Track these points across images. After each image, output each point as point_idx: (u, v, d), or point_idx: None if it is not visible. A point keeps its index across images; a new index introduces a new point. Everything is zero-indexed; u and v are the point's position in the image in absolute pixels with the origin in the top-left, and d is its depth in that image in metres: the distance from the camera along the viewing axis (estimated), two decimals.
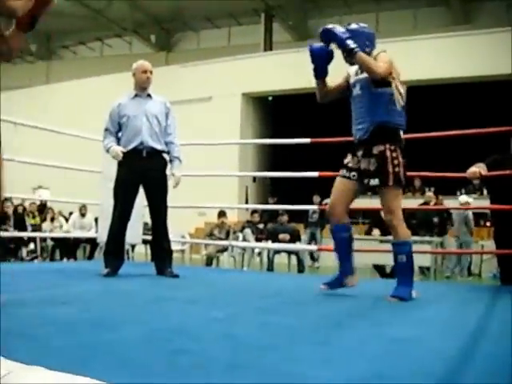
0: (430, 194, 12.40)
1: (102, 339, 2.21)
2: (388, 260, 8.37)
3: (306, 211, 13.82)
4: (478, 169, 5.23)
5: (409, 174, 4.16)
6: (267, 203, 16.29)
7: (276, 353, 2.08)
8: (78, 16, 23.25)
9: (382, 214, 4.24)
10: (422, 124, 8.05)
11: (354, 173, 4.16)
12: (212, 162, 14.75)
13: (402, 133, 4.14)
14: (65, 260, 12.27)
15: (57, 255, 12.77)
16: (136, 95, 5.38)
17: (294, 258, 10.76)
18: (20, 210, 12.97)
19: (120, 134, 5.30)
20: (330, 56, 4.14)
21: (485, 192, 12.40)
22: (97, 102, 20.90)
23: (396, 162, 3.97)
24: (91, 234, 11.31)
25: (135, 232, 7.01)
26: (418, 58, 16.53)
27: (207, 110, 19.68)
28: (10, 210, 11.90)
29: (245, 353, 2.06)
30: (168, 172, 5.43)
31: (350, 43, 3.90)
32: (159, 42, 24.67)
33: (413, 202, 13.24)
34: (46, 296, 3.55)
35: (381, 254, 8.24)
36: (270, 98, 20.97)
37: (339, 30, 3.95)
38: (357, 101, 4.17)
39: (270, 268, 10.19)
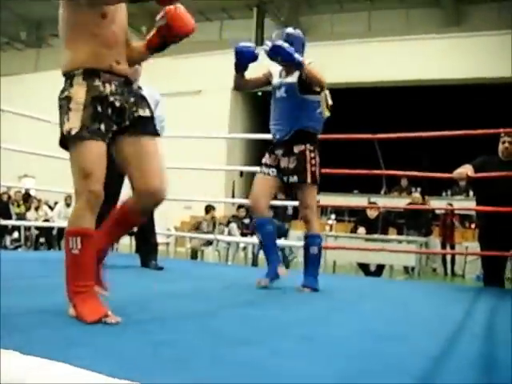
0: (416, 194, 12.45)
1: (85, 329, 2.20)
2: (373, 258, 8.41)
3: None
4: (464, 170, 5.25)
5: (396, 173, 4.30)
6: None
7: (259, 347, 2.08)
8: None
9: (300, 209, 4.40)
10: (410, 124, 8.08)
11: (272, 169, 4.33)
12: (199, 156, 14.73)
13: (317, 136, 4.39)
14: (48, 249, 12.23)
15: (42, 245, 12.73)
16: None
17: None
18: (5, 198, 12.91)
19: None
20: (254, 57, 4.24)
21: (471, 193, 12.47)
22: None
23: (313, 161, 4.22)
24: None
25: None
26: (409, 58, 16.57)
27: (197, 103, 19.65)
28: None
29: (227, 346, 2.06)
30: None
31: (298, 57, 4.03)
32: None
33: (400, 202, 13.31)
34: (28, 285, 3.53)
35: (366, 252, 8.27)
36: (260, 93, 20.94)
37: (286, 45, 4.03)
38: (280, 103, 4.35)
39: (255, 263, 10.19)
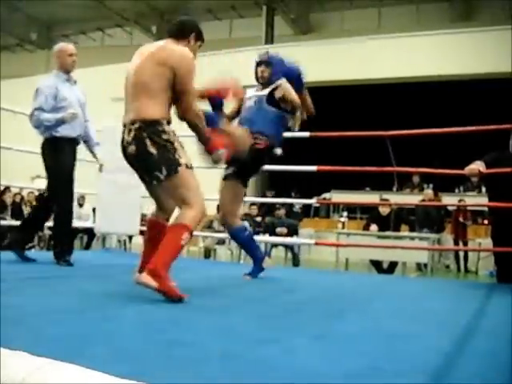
0: (428, 190, 12.40)
1: (98, 329, 2.21)
2: (385, 255, 8.39)
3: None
4: (476, 166, 5.23)
5: (407, 170, 4.34)
6: (265, 196, 16.27)
7: (272, 345, 2.08)
8: (79, 5, 23.20)
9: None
10: (422, 120, 8.06)
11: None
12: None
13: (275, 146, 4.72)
14: None
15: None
16: (66, 79, 5.21)
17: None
18: (18, 199, 12.95)
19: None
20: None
21: (483, 190, 12.41)
22: (97, 92, 20.87)
23: (255, 144, 4.49)
24: (89, 224, 11.28)
25: (132, 223, 7.02)
26: (420, 54, 16.50)
27: (207, 101, 19.65)
28: (8, 200, 11.88)
29: (240, 345, 2.06)
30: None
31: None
32: (160, 32, 24.59)
33: (412, 199, 13.26)
34: (41, 285, 3.55)
35: (378, 249, 8.25)
36: None
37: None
38: (246, 112, 4.72)
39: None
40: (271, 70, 4.71)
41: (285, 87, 4.57)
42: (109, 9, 23.12)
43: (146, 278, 3.02)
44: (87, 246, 12.48)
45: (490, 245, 5.64)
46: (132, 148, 3.30)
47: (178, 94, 3.36)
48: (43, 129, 5.05)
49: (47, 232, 12.74)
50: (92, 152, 5.53)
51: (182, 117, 3.46)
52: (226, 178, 4.74)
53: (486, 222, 13.63)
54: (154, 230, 3.63)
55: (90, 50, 26.25)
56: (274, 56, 4.79)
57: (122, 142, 3.40)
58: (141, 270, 3.32)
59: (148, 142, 3.24)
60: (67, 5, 22.93)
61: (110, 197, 6.61)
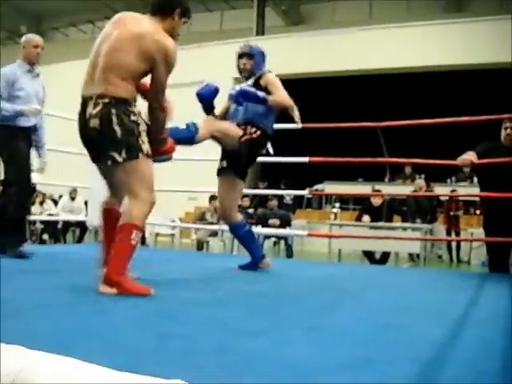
0: (420, 181, 12.40)
1: (92, 322, 2.21)
2: (378, 246, 8.41)
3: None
4: (468, 157, 5.24)
5: (400, 160, 4.33)
6: (257, 188, 16.28)
7: (264, 337, 2.08)
8: None
9: None
10: (413, 111, 8.06)
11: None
12: (202, 146, 14.71)
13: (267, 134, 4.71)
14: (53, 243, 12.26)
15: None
16: (28, 70, 5.15)
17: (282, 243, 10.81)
18: None
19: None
20: (216, 92, 4.54)
21: (475, 180, 12.44)
22: None
23: (245, 135, 4.50)
24: (81, 217, 11.26)
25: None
26: (412, 44, 16.51)
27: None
28: None
29: (232, 337, 2.06)
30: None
31: (261, 95, 4.42)
32: None
33: (404, 189, 13.29)
34: (34, 279, 3.54)
35: (371, 240, 8.27)
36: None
37: (248, 89, 4.45)
38: (234, 105, 4.69)
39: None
40: (253, 61, 4.68)
41: (272, 82, 4.62)
42: (99, 1, 23.04)
43: (104, 287, 3.01)
44: (79, 240, 12.47)
45: (482, 235, 5.67)
46: (95, 122, 3.15)
47: (151, 81, 3.31)
48: None
49: (39, 226, 12.74)
50: (39, 152, 5.41)
51: (148, 101, 3.40)
52: (220, 173, 4.77)
53: (477, 212, 13.67)
54: (112, 220, 3.44)
55: (80, 43, 26.11)
56: (256, 48, 4.74)
57: (84, 114, 3.23)
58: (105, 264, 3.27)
59: (114, 119, 3.13)
60: None
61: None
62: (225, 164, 4.68)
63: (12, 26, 26.14)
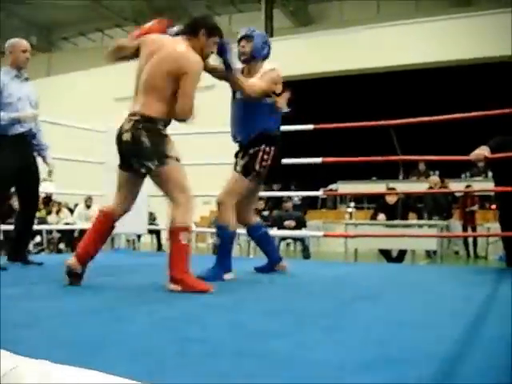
0: (434, 177, 12.38)
1: (112, 330, 2.22)
2: (394, 244, 8.39)
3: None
4: (482, 151, 5.23)
5: (413, 158, 4.27)
6: (272, 190, 16.28)
7: (283, 339, 2.09)
8: (78, 7, 23.21)
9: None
10: (424, 108, 8.05)
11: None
12: (217, 150, 14.74)
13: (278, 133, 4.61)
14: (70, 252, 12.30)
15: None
16: (16, 75, 5.06)
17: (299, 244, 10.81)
18: None
19: None
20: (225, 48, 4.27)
21: (489, 174, 12.38)
22: (99, 93, 20.87)
23: (262, 161, 4.41)
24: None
25: (140, 222, 7.02)
26: (420, 41, 16.46)
27: (211, 97, 19.62)
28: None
29: (252, 340, 2.07)
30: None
31: (232, 64, 4.24)
32: None
33: (418, 186, 13.25)
34: (53, 288, 3.56)
35: (387, 238, 8.26)
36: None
37: (229, 48, 4.22)
38: (238, 105, 4.62)
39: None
40: (252, 44, 4.45)
41: (263, 72, 4.47)
42: (107, 9, 23.14)
43: (170, 285, 3.44)
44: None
45: (499, 229, 5.64)
46: (127, 135, 3.55)
47: (178, 95, 3.64)
48: None
49: (56, 235, 12.80)
50: (42, 156, 5.34)
51: (177, 117, 3.72)
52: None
53: (493, 206, 13.61)
54: (108, 225, 3.78)
55: (89, 52, 26.25)
56: (256, 31, 4.55)
57: (120, 129, 3.64)
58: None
59: (143, 133, 3.52)
60: (66, 7, 22.90)
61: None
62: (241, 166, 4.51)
63: (22, 38, 26.25)
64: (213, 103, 19.27)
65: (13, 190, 5.22)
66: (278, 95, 4.51)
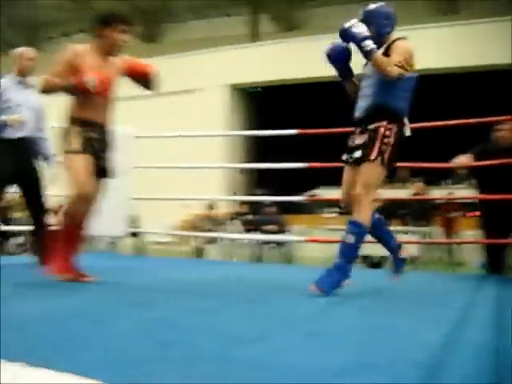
0: (419, 184, 12.43)
1: (90, 332, 2.21)
2: (375, 250, 8.41)
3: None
4: (463, 159, 5.26)
5: (396, 164, 4.08)
6: (255, 195, 16.28)
7: (262, 344, 2.08)
8: (62, 8, 23.13)
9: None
10: (414, 114, 8.07)
11: (350, 155, 4.03)
12: (198, 154, 14.75)
13: (405, 119, 3.98)
14: None
15: None
16: (19, 82, 5.14)
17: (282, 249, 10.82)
18: (7, 203, 12.89)
19: None
20: (347, 54, 4.05)
21: (472, 182, 12.44)
22: None
23: (386, 140, 3.79)
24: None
25: (120, 224, 7.00)
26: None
27: (193, 101, 19.63)
28: None
29: (233, 344, 2.06)
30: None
31: (367, 44, 3.76)
32: (145, 33, 24.54)
33: (401, 193, 13.31)
34: (31, 290, 3.54)
35: (368, 244, 8.26)
36: (257, 89, 20.94)
37: (356, 30, 3.82)
38: (365, 79, 4.05)
39: (259, 259, 10.21)
40: (373, 27, 3.92)
41: (395, 47, 3.89)
42: (92, 10, 23.05)
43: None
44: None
45: (480, 236, 5.67)
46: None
47: None
48: None
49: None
50: (46, 161, 5.36)
51: None
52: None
53: (476, 213, 13.68)
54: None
55: None
56: (370, 11, 4.05)
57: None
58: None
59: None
60: (49, 7, 22.83)
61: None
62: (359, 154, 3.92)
63: (8, 37, 26.13)
64: (196, 107, 19.33)
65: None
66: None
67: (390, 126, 3.80)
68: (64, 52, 4.08)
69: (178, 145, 13.60)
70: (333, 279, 3.66)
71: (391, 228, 9.01)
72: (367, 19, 3.96)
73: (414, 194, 11.48)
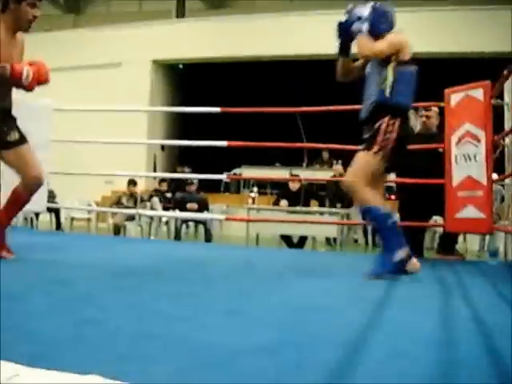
0: (338, 166, 12.60)
1: (4, 311, 2.14)
2: (295, 230, 8.49)
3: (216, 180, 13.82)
4: None
5: (317, 145, 4.19)
6: (176, 172, 16.18)
7: (183, 322, 2.06)
8: None
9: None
10: (338, 97, 8.15)
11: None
12: (120, 129, 14.55)
13: (409, 110, 4.09)
14: None
15: None
16: None
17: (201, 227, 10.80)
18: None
19: None
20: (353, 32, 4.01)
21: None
22: None
23: (388, 135, 3.85)
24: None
25: (39, 200, 6.84)
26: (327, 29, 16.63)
27: (116, 75, 19.29)
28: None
29: (152, 322, 2.04)
30: None
31: (357, 28, 3.90)
32: (67, 3, 23.92)
33: (321, 174, 13.47)
34: None
35: (288, 224, 8.34)
36: (181, 66, 20.76)
37: (352, 17, 3.93)
38: (367, 79, 4.11)
39: (178, 237, 10.16)
40: (369, 24, 3.95)
41: (385, 40, 3.93)
42: None
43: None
44: None
45: (398, 219, 5.79)
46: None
47: None
48: None
49: None
50: None
51: None
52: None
53: (393, 197, 13.95)
54: None
55: None
56: (369, 7, 4.02)
57: None
58: None
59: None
60: None
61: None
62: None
63: None
64: (120, 81, 19.03)
65: None
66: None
67: (391, 121, 3.87)
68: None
69: (100, 119, 13.39)
70: (387, 264, 3.75)
71: (310, 208, 9.15)
72: (364, 16, 4.00)
73: (333, 176, 11.62)
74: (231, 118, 9.76)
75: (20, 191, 4.03)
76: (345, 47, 4.15)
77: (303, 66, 17.50)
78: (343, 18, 4.00)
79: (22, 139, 3.95)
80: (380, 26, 4.00)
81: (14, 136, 3.91)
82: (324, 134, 11.67)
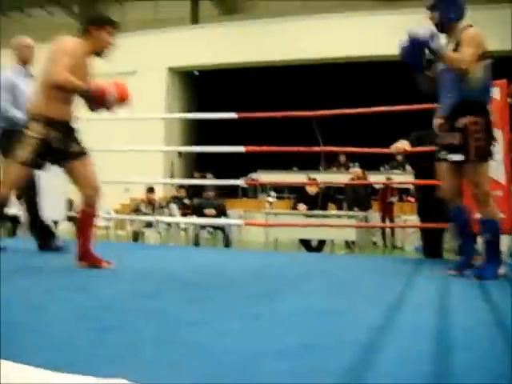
0: (356, 169, 12.58)
1: (29, 319, 2.16)
2: (314, 234, 8.48)
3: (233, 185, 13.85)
4: (402, 144, 5.33)
5: (334, 149, 4.19)
6: (193, 178, 16.21)
7: (205, 327, 2.07)
8: None
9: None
10: (349, 100, 8.14)
11: (444, 152, 4.07)
12: (137, 137, 14.61)
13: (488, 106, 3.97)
14: None
15: None
16: (22, 71, 5.20)
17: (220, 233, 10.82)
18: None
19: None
20: (423, 47, 3.87)
21: (408, 168, 12.65)
22: None
23: (477, 135, 3.81)
24: (14, 211, 11.01)
25: (58, 208, 6.89)
26: (349, 34, 16.63)
27: (132, 83, 19.29)
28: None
29: (173, 328, 2.05)
30: None
31: (435, 48, 3.79)
32: (82, 12, 24.06)
33: (338, 177, 13.45)
34: None
35: (306, 228, 8.33)
36: (196, 73, 20.81)
37: (422, 37, 3.78)
38: (442, 75, 4.03)
39: (196, 243, 10.18)
40: (438, 13, 3.95)
41: (464, 38, 3.88)
42: None
43: None
44: (12, 233, 12.20)
45: (416, 221, 5.77)
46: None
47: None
48: (4, 122, 5.02)
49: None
50: None
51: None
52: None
53: (411, 199, 13.91)
54: None
55: (10, 32, 25.46)
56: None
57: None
58: None
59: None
60: None
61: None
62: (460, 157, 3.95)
63: None
64: (135, 89, 19.10)
65: None
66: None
67: (476, 120, 3.84)
68: (62, 44, 3.93)
69: (117, 127, 13.43)
70: (491, 271, 3.85)
71: (328, 212, 9.14)
72: (430, 3, 4.00)
73: (352, 179, 11.61)
74: (247, 123, 9.76)
75: (85, 209, 4.09)
76: (423, 64, 4.00)
77: (318, 70, 17.49)
78: (408, 41, 3.85)
79: (85, 151, 4.04)
80: (449, 15, 3.97)
81: (79, 147, 4.01)
82: (340, 137, 11.67)
